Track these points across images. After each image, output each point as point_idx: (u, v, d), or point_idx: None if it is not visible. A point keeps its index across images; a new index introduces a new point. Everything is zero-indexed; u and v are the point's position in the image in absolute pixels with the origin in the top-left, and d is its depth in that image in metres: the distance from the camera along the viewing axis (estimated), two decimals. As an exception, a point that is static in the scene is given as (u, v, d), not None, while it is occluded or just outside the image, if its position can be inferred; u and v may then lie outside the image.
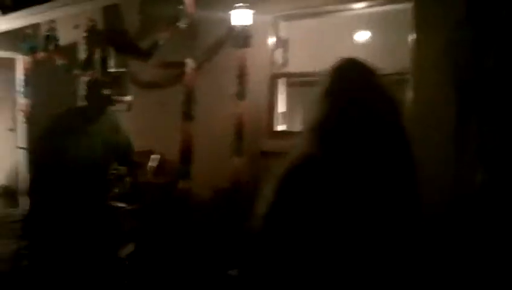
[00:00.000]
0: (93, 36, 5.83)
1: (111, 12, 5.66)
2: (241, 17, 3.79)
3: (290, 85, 4.57)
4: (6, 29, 6.73)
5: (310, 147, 1.69)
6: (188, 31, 4.30)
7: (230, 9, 4.16)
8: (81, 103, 3.88)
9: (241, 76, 4.27)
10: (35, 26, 6.39)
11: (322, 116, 1.66)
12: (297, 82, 4.63)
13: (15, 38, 6.69)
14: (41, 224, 3.76)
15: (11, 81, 7.54)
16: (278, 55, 4.44)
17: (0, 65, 7.96)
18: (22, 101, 7.18)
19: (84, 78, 5.86)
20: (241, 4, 3.74)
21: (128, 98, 5.77)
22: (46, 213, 3.68)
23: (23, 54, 6.44)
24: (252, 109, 4.39)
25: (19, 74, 7.22)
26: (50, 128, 3.81)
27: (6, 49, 7.04)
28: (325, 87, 1.71)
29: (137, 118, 5.66)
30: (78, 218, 3.62)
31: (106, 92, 3.82)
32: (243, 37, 3.84)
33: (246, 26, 3.81)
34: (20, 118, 7.19)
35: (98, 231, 3.76)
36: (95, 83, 3.89)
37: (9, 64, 7.46)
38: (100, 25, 5.73)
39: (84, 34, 5.91)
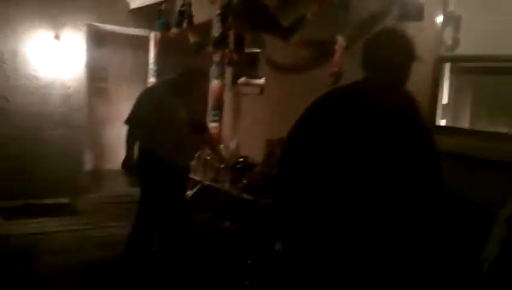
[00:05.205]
0: (228, 12, 5.43)
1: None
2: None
3: (457, 72, 3.78)
4: (142, 5, 6.53)
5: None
6: (339, 2, 3.68)
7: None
8: None
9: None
10: (171, 2, 6.13)
11: None
12: (467, 68, 3.82)
13: (150, 15, 6.49)
14: None
15: (143, 61, 7.41)
16: (447, 34, 3.66)
17: (133, 45, 7.90)
18: (151, 80, 7.04)
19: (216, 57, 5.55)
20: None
21: (261, 80, 5.32)
22: None
23: (157, 31, 6.22)
24: (409, 98, 3.68)
25: (152, 54, 7.07)
26: None
27: (141, 26, 6.88)
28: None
29: (270, 103, 5.22)
30: None
31: None
32: (414, 8, 3.13)
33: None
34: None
35: None
36: None
37: (142, 43, 7.33)
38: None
39: (218, 11, 5.54)
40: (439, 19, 3.60)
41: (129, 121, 4.15)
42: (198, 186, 4.64)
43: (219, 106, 5.89)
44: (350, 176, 1.98)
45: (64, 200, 6.45)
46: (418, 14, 3.19)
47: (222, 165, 4.53)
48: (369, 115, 2.00)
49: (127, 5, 6.73)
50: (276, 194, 2.33)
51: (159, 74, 6.89)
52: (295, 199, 2.13)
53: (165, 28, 6.07)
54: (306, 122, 2.21)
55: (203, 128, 4.53)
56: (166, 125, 4.02)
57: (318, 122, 2.14)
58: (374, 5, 3.69)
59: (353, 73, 3.73)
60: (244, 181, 4.22)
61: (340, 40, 3.68)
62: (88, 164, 7.50)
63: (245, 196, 4.07)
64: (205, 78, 4.45)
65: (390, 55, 2.12)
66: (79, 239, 5.20)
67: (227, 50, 5.33)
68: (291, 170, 2.17)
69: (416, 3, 3.15)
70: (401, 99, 2.09)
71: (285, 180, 2.20)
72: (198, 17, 5.80)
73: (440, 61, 3.65)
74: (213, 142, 4.95)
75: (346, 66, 3.82)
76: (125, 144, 4.15)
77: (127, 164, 4.16)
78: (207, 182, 4.56)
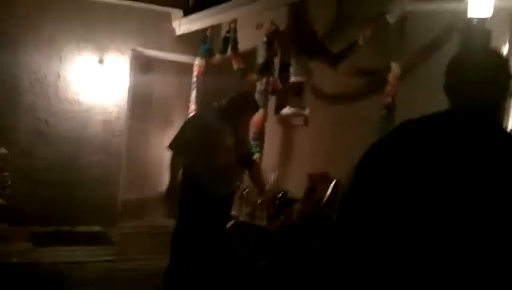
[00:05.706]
0: (275, 39, 5.19)
1: (298, 9, 4.92)
2: (479, 7, 2.72)
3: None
4: (188, 31, 6.38)
5: None
6: (393, 27, 3.35)
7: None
8: None
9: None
10: (215, 28, 5.96)
11: None
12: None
13: (195, 41, 6.32)
14: None
15: (188, 88, 7.23)
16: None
17: (178, 71, 7.76)
18: (192, 107, 6.83)
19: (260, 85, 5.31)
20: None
21: (306, 111, 5.00)
22: None
23: (200, 57, 6.05)
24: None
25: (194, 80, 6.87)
26: None
27: (188, 53, 6.71)
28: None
29: (314, 135, 4.89)
30: None
31: None
32: (479, 34, 2.76)
33: (484, 19, 2.72)
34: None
35: None
36: None
37: (188, 70, 7.16)
38: (284, 24, 5.04)
39: (264, 39, 5.31)
40: (507, 45, 3.22)
41: (173, 146, 3.92)
42: (233, 221, 4.32)
43: (260, 136, 5.60)
44: (442, 237, 1.51)
45: (98, 229, 6.26)
46: (484, 40, 2.81)
47: (259, 200, 4.21)
48: (471, 158, 1.54)
49: (173, 31, 6.60)
50: (332, 244, 1.81)
51: (199, 101, 6.69)
52: (360, 255, 1.67)
53: (208, 54, 5.89)
54: (377, 163, 1.72)
55: (251, 162, 4.23)
56: (210, 151, 3.77)
57: (396, 164, 1.65)
58: (432, 29, 3.33)
59: (408, 105, 3.43)
60: (282, 218, 3.89)
61: (395, 68, 3.34)
62: (127, 191, 7.32)
63: (282, 234, 3.72)
64: (255, 105, 4.19)
65: (490, 80, 1.63)
66: (111, 270, 4.97)
67: (271, 78, 5.08)
68: (356, 218, 1.71)
69: (481, 27, 2.77)
70: (506, 139, 1.61)
71: (347, 230, 1.74)
72: (244, 43, 5.60)
73: (508, 93, 3.25)
74: (259, 177, 4.49)
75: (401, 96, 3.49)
76: (169, 172, 3.92)
77: (171, 194, 3.90)
78: (243, 217, 4.25)
